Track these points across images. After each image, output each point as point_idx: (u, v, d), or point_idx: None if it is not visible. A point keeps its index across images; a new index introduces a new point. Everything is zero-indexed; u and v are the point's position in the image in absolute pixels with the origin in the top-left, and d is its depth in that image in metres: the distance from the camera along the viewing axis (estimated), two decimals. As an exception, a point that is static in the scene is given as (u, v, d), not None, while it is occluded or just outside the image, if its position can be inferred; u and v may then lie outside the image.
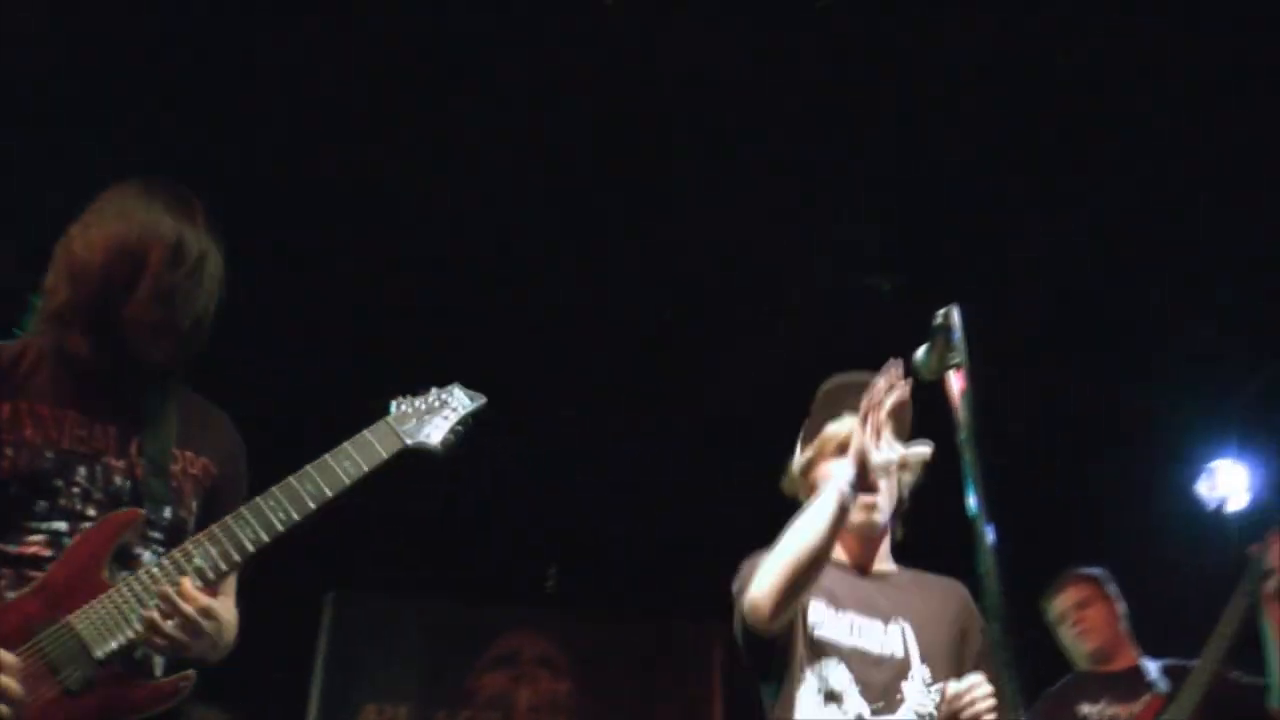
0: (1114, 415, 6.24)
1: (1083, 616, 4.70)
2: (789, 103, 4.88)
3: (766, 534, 3.04)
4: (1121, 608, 4.73)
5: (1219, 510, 6.31)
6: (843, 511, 2.92)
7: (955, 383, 2.64)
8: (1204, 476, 6.30)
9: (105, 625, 2.49)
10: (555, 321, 5.89)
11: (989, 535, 2.39)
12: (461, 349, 5.49)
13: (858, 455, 2.92)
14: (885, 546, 3.30)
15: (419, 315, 5.76)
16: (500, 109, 4.87)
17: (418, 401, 2.90)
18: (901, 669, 3.07)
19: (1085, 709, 4.49)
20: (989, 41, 4.62)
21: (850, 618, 3.10)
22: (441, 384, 2.99)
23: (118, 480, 2.65)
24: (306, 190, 5.12)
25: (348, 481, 2.71)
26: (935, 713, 2.98)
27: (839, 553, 3.20)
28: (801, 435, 3.35)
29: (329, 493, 2.69)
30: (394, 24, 4.52)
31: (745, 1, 4.51)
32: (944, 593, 3.25)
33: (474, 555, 6.80)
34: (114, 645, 2.49)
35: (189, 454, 2.77)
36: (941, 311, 2.79)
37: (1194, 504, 6.36)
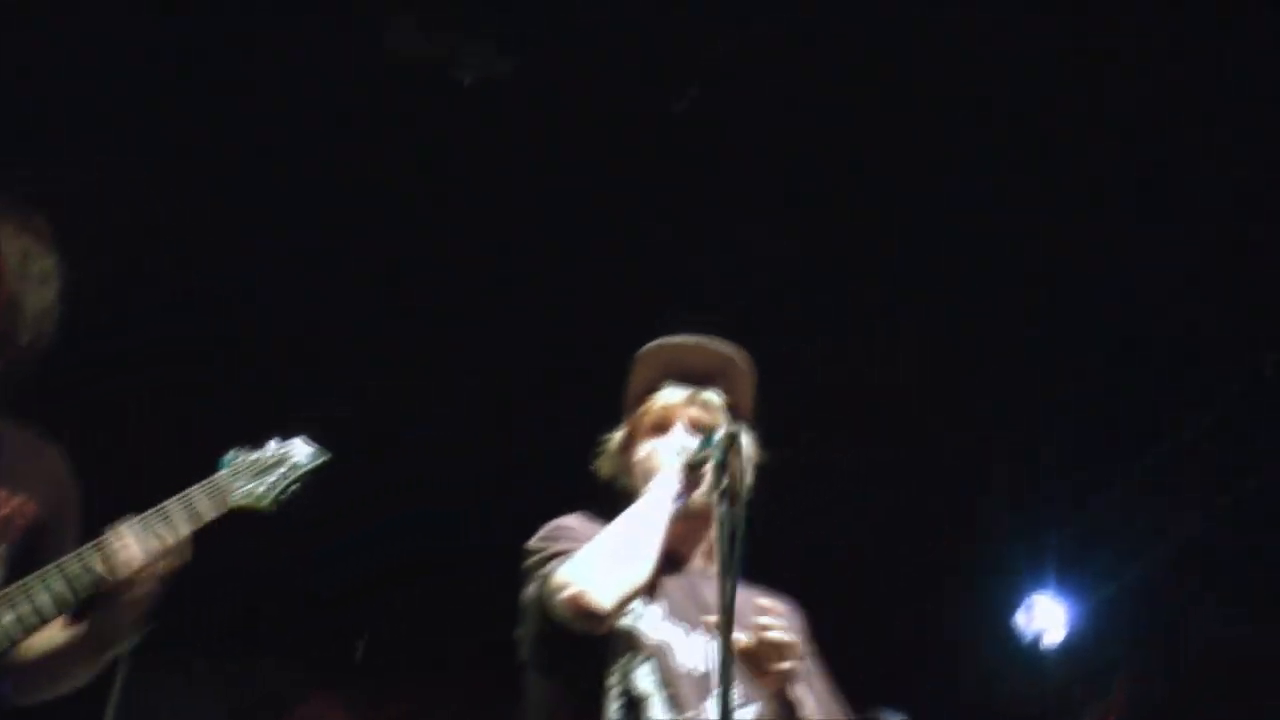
0: (934, 548, 6.29)
1: None
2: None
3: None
4: None
5: (1036, 643, 6.37)
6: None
7: (718, 508, 2.48)
8: (1022, 610, 6.36)
9: None
10: (378, 385, 5.76)
11: (727, 658, 2.27)
12: (283, 401, 5.36)
13: (677, 470, 2.72)
14: (709, 538, 2.84)
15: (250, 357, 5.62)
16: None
17: (255, 455, 2.73)
18: (705, 685, 2.66)
19: None
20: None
21: (659, 615, 2.73)
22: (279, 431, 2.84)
23: None
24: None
25: (171, 543, 2.55)
26: None
27: None
28: (623, 407, 3.03)
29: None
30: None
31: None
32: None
33: (281, 618, 6.57)
34: None
35: (3, 492, 2.54)
36: (723, 432, 2.63)
37: (1012, 636, 6.43)
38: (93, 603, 2.54)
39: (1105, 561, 6.26)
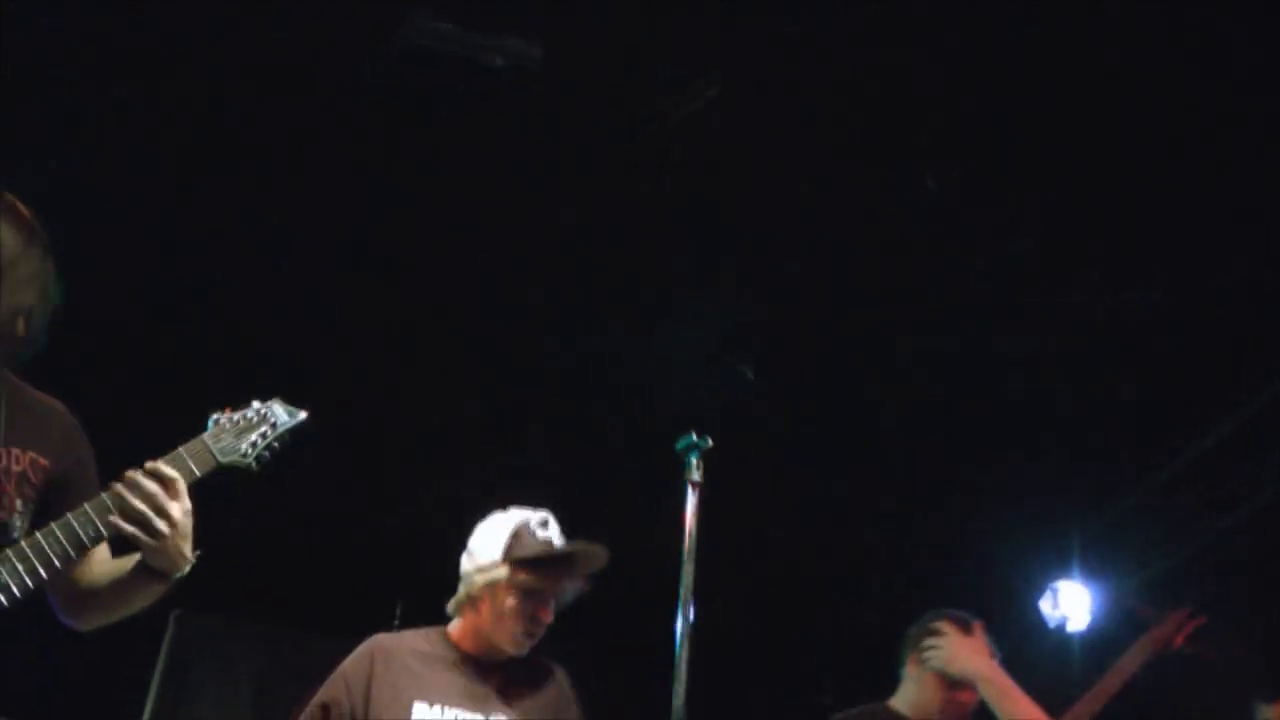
0: (961, 536, 6.32)
1: None
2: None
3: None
4: None
5: (1061, 629, 6.43)
6: None
7: (691, 499, 2.61)
8: (1047, 595, 6.41)
9: None
10: (409, 344, 5.83)
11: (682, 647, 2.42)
12: (303, 362, 5.50)
13: None
14: None
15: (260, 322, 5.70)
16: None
17: (236, 416, 2.85)
18: None
19: None
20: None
21: (454, 713, 3.22)
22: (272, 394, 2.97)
23: None
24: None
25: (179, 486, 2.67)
26: None
27: (444, 641, 3.39)
28: None
29: None
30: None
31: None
32: (546, 681, 3.42)
33: (323, 583, 6.72)
34: None
35: (15, 450, 2.67)
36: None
37: (1037, 622, 6.48)
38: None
39: (1131, 549, 6.34)
